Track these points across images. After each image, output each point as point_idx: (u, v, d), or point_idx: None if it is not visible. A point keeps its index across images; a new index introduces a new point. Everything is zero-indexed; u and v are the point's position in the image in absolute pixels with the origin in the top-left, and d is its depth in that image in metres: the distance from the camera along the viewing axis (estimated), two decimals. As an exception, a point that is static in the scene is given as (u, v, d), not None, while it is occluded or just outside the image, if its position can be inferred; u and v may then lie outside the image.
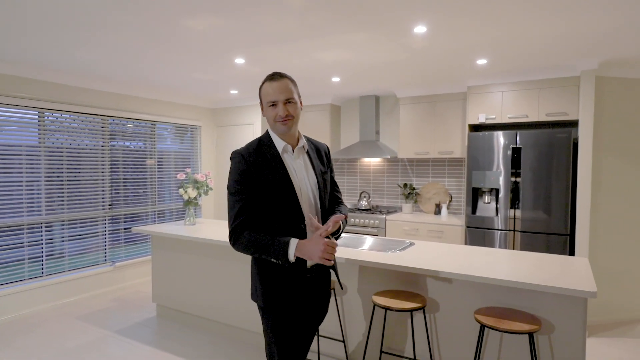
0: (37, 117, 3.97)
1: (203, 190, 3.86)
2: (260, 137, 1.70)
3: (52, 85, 4.04)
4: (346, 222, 1.77)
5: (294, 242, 1.53)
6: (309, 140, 1.81)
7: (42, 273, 4.05)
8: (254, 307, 3.23)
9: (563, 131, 3.62)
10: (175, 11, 2.39)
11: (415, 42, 2.96)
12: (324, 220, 1.72)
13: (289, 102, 1.62)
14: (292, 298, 1.63)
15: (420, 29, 2.66)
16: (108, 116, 4.56)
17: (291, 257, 1.52)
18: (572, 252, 3.68)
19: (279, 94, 1.59)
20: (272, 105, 1.62)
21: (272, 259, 1.56)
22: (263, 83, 1.65)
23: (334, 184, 1.90)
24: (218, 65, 3.66)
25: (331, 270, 1.90)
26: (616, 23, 2.54)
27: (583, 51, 3.15)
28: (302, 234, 1.62)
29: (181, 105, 5.42)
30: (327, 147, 1.89)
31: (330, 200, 1.85)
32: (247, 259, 3.25)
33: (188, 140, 5.59)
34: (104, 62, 3.57)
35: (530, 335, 2.01)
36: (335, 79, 4.24)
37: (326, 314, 1.84)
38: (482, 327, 2.08)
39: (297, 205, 1.62)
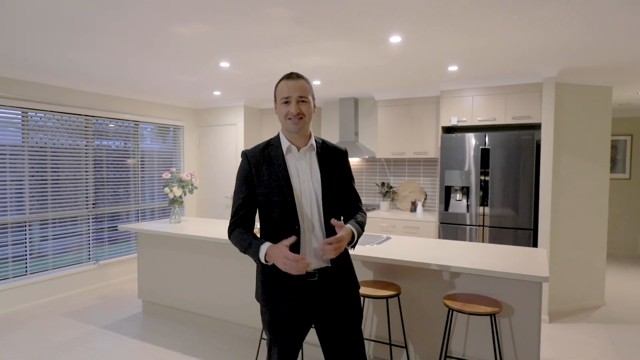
0: (20, 116, 4.01)
1: (188, 189, 3.98)
2: (271, 138, 1.75)
3: (36, 85, 4.08)
4: (362, 229, 1.75)
5: (265, 246, 1.58)
6: (325, 142, 1.78)
7: (26, 271, 4.09)
8: (240, 300, 3.38)
9: (527, 133, 3.90)
10: (167, 18, 2.52)
11: (391, 50, 3.17)
12: (326, 225, 1.67)
13: (303, 101, 1.63)
14: (293, 300, 1.62)
15: (395, 39, 2.87)
16: (92, 116, 4.62)
17: (262, 259, 1.59)
18: (535, 245, 3.97)
19: (294, 91, 1.61)
20: (286, 102, 1.63)
21: (253, 259, 1.65)
22: (279, 81, 1.67)
23: (353, 193, 1.83)
24: (203, 68, 3.79)
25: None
26: (575, 38, 2.80)
27: (545, 60, 3.43)
28: (296, 235, 1.62)
29: (164, 105, 5.50)
30: (345, 152, 1.82)
31: (349, 210, 1.82)
32: (233, 254, 3.40)
33: (171, 140, 5.67)
34: (90, 63, 3.64)
35: (493, 316, 2.24)
36: (317, 82, 4.42)
37: (357, 325, 1.71)
38: (450, 310, 2.30)
39: (293, 206, 1.63)
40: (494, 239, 4.08)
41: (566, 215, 4.08)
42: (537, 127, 4.20)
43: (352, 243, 1.69)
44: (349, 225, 1.68)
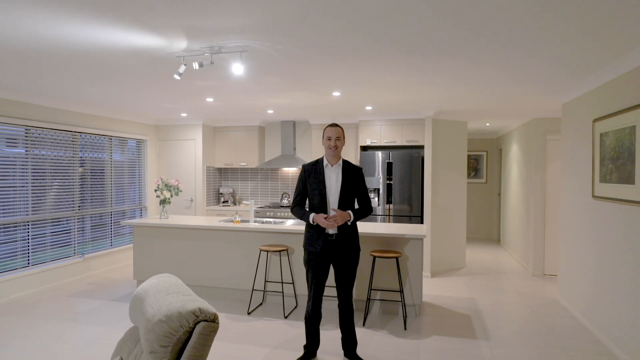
0: (24, 132, 4.78)
1: (174, 192, 5.12)
2: (318, 158, 3.10)
3: (35, 107, 4.88)
4: (360, 214, 3.02)
5: (312, 214, 2.96)
6: (348, 163, 3.05)
7: (28, 263, 4.84)
8: (228, 270, 4.66)
9: (416, 152, 5.80)
10: (195, 78, 3.80)
11: (332, 98, 4.78)
12: (340, 208, 2.95)
13: (338, 139, 2.97)
14: (321, 246, 2.94)
15: (336, 93, 4.49)
16: (77, 132, 5.46)
17: (310, 221, 2.96)
18: (422, 228, 5.86)
19: (334, 134, 2.97)
20: (328, 139, 2.98)
21: (304, 221, 3.05)
22: (327, 127, 3.01)
23: (364, 195, 3.07)
24: (191, 101, 5.01)
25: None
26: (442, 96, 4.68)
27: (426, 106, 5.33)
28: (325, 213, 2.96)
29: (132, 122, 6.43)
30: (360, 170, 3.09)
31: (360, 204, 3.08)
32: (218, 237, 4.67)
33: (135, 152, 6.59)
34: (98, 94, 4.64)
35: (397, 259, 3.94)
36: (270, 111, 5.86)
37: (352, 268, 3.03)
38: (374, 257, 3.94)
39: (324, 197, 2.98)
40: (396, 224, 5.89)
41: (441, 208, 6.08)
42: (422, 147, 6.15)
43: (350, 220, 2.98)
44: (349, 211, 2.99)
